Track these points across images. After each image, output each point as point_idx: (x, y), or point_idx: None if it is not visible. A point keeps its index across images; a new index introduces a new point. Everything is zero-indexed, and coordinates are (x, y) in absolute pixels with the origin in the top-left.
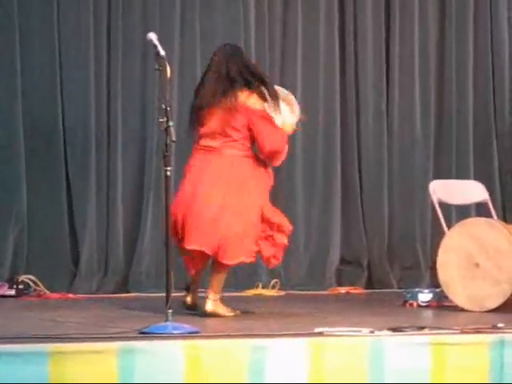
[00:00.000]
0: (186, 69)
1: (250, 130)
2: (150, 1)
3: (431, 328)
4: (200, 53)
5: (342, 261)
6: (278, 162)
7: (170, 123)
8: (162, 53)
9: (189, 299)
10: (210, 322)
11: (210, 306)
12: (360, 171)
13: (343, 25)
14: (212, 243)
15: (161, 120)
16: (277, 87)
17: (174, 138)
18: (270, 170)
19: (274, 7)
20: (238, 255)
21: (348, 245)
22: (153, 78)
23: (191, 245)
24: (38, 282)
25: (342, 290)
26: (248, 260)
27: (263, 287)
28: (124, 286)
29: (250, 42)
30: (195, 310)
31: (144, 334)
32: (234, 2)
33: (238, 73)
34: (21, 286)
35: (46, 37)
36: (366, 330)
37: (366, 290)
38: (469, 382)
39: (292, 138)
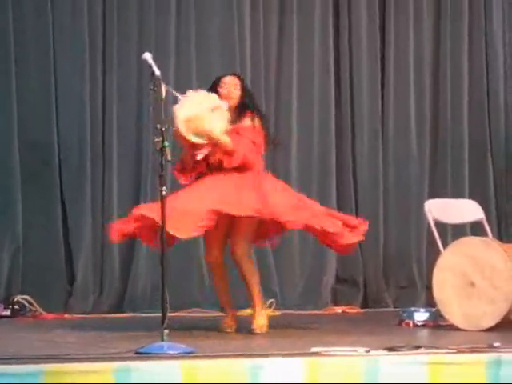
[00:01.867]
0: (181, 87)
1: None
2: (145, 21)
3: (427, 347)
4: (196, 70)
5: (338, 280)
6: None
7: (166, 143)
8: (157, 73)
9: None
10: (205, 341)
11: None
12: (355, 190)
13: (338, 39)
14: None
15: (156, 140)
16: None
17: (169, 158)
18: None
19: (268, 21)
20: None
21: (344, 264)
22: (148, 95)
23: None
24: (34, 303)
25: (338, 309)
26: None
27: None
28: (119, 306)
29: (246, 57)
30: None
31: (140, 354)
32: (228, 17)
33: None
34: (16, 307)
35: (41, 55)
36: (362, 350)
37: (361, 309)
38: None
39: (286, 156)
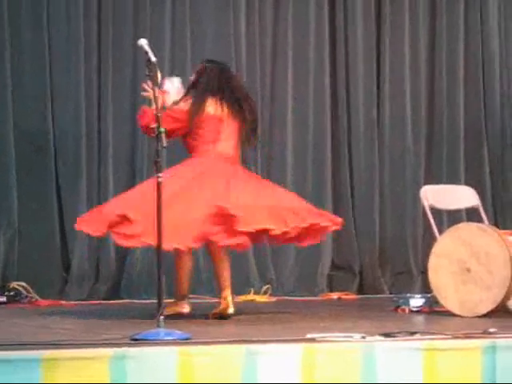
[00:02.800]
0: (176, 73)
1: None
2: (140, 8)
3: (423, 333)
4: (190, 58)
5: (334, 266)
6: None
7: (161, 129)
8: (153, 59)
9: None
10: (201, 327)
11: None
12: (351, 177)
13: (334, 34)
14: None
15: (152, 126)
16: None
17: (164, 144)
18: None
19: (264, 6)
20: None
21: (339, 250)
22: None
23: None
24: (30, 289)
25: (334, 295)
26: None
27: (255, 293)
28: (115, 293)
29: (241, 43)
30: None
31: (136, 341)
32: (224, 3)
33: None
34: (12, 293)
35: (36, 47)
36: (357, 336)
37: (357, 296)
38: None
39: (283, 146)
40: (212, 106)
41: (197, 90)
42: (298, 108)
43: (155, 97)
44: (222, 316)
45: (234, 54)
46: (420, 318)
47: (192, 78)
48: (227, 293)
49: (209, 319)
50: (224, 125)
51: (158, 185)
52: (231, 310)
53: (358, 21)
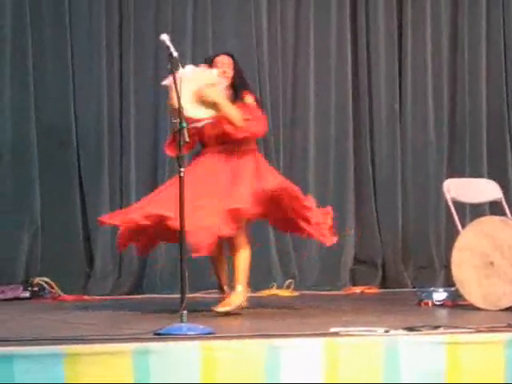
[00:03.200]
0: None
1: None
2: (162, 3)
3: (446, 327)
4: (212, 53)
5: (357, 260)
6: None
7: (183, 124)
8: (175, 54)
9: None
10: (224, 322)
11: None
12: (373, 172)
13: (355, 30)
14: None
15: (174, 121)
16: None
17: (187, 139)
18: None
19: (285, 11)
20: None
21: (362, 244)
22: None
23: None
24: (53, 284)
25: (357, 289)
26: None
27: (278, 288)
28: (138, 288)
29: (263, 42)
30: None
31: (159, 336)
32: (245, 3)
33: None
34: (35, 289)
35: (59, 42)
36: (381, 330)
37: (380, 290)
38: (484, 381)
39: (305, 141)
40: None
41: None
42: (319, 103)
43: (176, 91)
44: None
45: (255, 50)
46: (443, 312)
47: (228, 73)
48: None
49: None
50: None
51: (181, 179)
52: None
53: (380, 17)
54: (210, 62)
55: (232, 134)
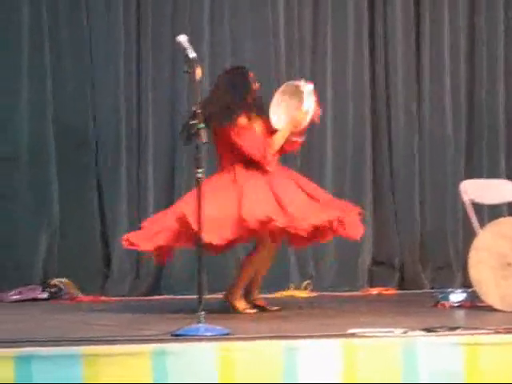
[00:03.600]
0: (216, 71)
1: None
2: (179, 5)
3: (464, 328)
4: (230, 54)
5: (374, 261)
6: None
7: (201, 125)
8: (192, 55)
9: None
10: (241, 323)
11: None
12: (391, 173)
13: (373, 26)
14: None
15: (191, 122)
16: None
17: (204, 140)
18: None
19: (302, 8)
20: None
21: (380, 245)
22: (183, 81)
23: None
24: (71, 285)
25: (374, 290)
26: None
27: (295, 288)
28: (156, 289)
29: (280, 44)
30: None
31: (177, 336)
32: (262, 2)
33: None
34: (53, 289)
35: (76, 43)
36: (398, 331)
37: (398, 291)
38: (503, 382)
39: (322, 141)
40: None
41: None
42: (337, 104)
43: (195, 91)
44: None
45: (273, 52)
46: (461, 313)
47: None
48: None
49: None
50: None
51: (198, 181)
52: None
53: (397, 18)
54: (246, 74)
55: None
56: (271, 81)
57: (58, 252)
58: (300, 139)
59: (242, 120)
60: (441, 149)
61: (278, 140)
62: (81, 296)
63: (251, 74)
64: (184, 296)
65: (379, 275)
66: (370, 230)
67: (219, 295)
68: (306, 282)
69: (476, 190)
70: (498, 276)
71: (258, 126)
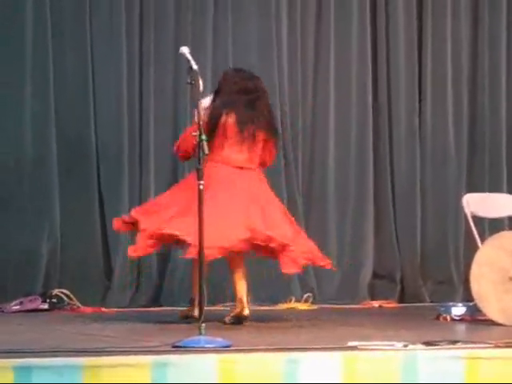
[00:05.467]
0: (218, 80)
1: None
2: (182, 14)
3: (465, 342)
4: (233, 65)
5: (375, 275)
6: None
7: (203, 137)
8: (195, 67)
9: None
10: (242, 335)
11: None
12: (393, 187)
13: (375, 36)
14: None
15: (194, 134)
16: None
17: (206, 152)
18: None
19: (306, 12)
20: None
21: (381, 259)
22: (185, 92)
23: None
24: (72, 296)
25: (375, 303)
26: None
27: (296, 301)
28: (157, 300)
29: (282, 54)
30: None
31: (177, 348)
32: (266, 13)
33: None
34: (54, 300)
35: (79, 53)
36: (399, 344)
37: (398, 304)
38: None
39: (325, 154)
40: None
41: (216, 99)
42: (339, 118)
43: (197, 105)
44: (238, 318)
45: (276, 63)
46: (462, 327)
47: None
48: (241, 294)
49: (226, 324)
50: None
51: (200, 192)
52: (247, 312)
53: (400, 28)
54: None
55: None
56: (274, 91)
57: (59, 263)
58: None
59: None
60: (442, 165)
61: None
62: (82, 307)
63: None
64: (184, 307)
65: (380, 289)
66: (372, 243)
67: (219, 307)
68: (306, 295)
69: (478, 204)
70: (500, 290)
71: None
